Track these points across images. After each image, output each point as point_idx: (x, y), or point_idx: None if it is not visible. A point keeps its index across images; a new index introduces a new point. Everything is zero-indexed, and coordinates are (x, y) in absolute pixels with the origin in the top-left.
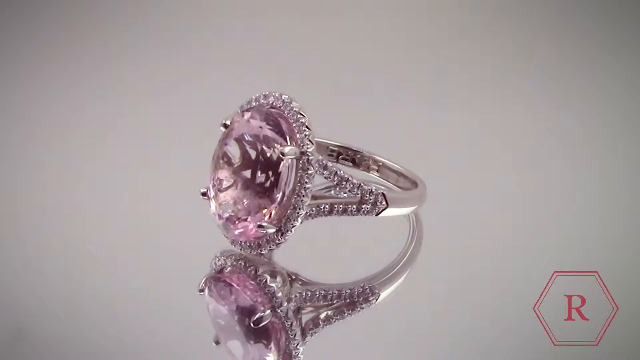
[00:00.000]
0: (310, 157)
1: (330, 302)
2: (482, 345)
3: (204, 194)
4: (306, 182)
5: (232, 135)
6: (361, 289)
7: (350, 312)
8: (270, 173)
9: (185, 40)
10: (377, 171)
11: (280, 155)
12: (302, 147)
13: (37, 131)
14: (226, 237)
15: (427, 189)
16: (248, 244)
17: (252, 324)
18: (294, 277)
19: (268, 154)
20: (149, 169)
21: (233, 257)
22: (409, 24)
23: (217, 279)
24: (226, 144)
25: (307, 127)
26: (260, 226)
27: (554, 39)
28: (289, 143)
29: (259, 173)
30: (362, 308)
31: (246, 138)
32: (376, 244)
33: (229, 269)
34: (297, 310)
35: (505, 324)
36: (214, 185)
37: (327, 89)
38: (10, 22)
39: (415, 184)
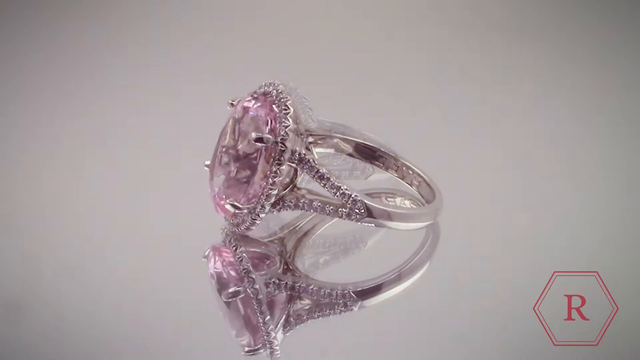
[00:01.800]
0: (282, 148)
1: (312, 298)
2: (482, 345)
3: (207, 166)
4: (275, 173)
5: (232, 114)
6: (341, 293)
7: (331, 311)
8: (246, 161)
9: (184, 36)
10: (396, 171)
11: (253, 141)
12: (277, 138)
13: (38, 131)
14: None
15: (443, 203)
16: (232, 221)
17: (223, 298)
18: (287, 265)
19: (246, 140)
20: (149, 167)
21: (226, 231)
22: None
23: (218, 250)
24: (228, 122)
25: (289, 118)
26: (233, 205)
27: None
28: (266, 132)
29: (237, 164)
30: (342, 311)
31: (236, 117)
32: (389, 251)
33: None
34: (288, 299)
35: (505, 324)
36: (215, 157)
37: (337, 86)
38: (12, 21)
39: (433, 195)
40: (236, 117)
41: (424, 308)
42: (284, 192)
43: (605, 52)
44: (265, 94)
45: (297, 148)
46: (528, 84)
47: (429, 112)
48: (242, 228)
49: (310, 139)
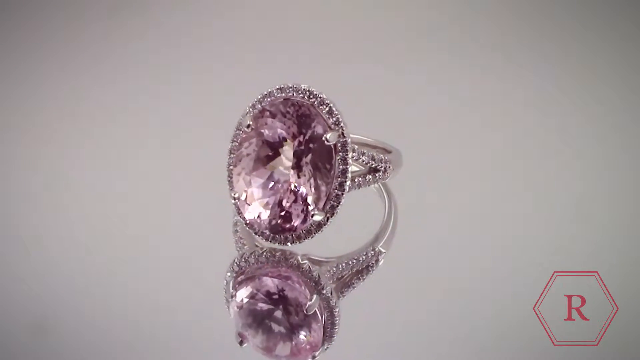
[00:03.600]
0: (347, 139)
1: (355, 271)
2: (482, 345)
3: (236, 199)
4: (347, 165)
5: (267, 135)
6: (372, 252)
7: (364, 276)
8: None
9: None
10: None
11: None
12: (339, 131)
13: (37, 131)
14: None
15: (401, 155)
16: (280, 237)
17: (306, 311)
18: (308, 259)
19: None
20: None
21: (266, 253)
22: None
23: (251, 279)
24: (267, 143)
25: (336, 111)
26: (311, 216)
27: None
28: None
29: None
30: (374, 267)
31: (283, 134)
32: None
33: (262, 264)
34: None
35: (505, 324)
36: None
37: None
38: (15, 21)
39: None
40: (274, 140)
41: (419, 310)
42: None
43: (604, 53)
44: (283, 100)
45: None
46: (529, 83)
47: (426, 110)
48: (316, 234)
49: None
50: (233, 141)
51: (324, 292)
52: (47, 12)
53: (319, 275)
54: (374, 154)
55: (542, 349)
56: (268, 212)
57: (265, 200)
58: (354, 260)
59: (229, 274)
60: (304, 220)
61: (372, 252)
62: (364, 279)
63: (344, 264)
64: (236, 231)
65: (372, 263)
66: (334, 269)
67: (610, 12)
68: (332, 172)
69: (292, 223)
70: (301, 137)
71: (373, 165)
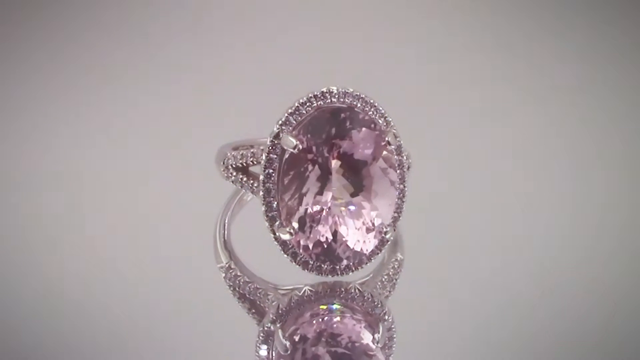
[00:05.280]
0: (400, 142)
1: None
2: (482, 345)
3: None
4: (405, 168)
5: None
6: (397, 263)
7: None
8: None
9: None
10: None
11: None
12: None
13: (38, 132)
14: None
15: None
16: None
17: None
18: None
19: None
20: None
21: (317, 290)
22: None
23: (309, 324)
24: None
25: (385, 114)
26: (380, 232)
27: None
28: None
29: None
30: (398, 280)
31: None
32: None
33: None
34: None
35: (504, 325)
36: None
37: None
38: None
39: None
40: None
41: (417, 310)
42: None
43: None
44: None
45: None
46: (528, 81)
47: (424, 110)
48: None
49: None
50: (266, 167)
51: (388, 318)
52: (49, 11)
53: (381, 302)
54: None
55: (542, 349)
56: (371, 240)
57: (363, 227)
58: (386, 275)
59: (270, 325)
60: (382, 243)
61: (397, 263)
62: (391, 291)
63: (379, 282)
64: (248, 282)
65: (398, 272)
66: (379, 286)
67: None
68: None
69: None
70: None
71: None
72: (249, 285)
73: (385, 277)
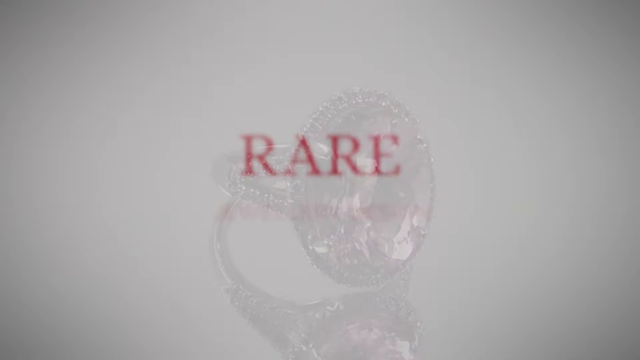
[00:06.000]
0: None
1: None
2: (482, 345)
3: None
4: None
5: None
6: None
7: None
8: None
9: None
10: None
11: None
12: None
13: (39, 132)
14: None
15: None
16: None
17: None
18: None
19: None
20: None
21: (348, 303)
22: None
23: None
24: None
25: (410, 112)
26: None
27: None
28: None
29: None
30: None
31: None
32: None
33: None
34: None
35: (504, 325)
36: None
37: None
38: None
39: None
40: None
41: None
42: None
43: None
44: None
45: None
46: (529, 79)
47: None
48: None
49: None
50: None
51: (420, 325)
52: (51, 12)
53: (413, 310)
54: None
55: (542, 349)
56: (409, 245)
57: (402, 232)
58: (402, 281)
59: (302, 346)
60: (418, 246)
61: (410, 268)
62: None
63: (397, 287)
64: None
65: (409, 273)
66: (399, 291)
67: None
68: None
69: None
70: None
71: None
72: (264, 305)
73: (402, 281)
